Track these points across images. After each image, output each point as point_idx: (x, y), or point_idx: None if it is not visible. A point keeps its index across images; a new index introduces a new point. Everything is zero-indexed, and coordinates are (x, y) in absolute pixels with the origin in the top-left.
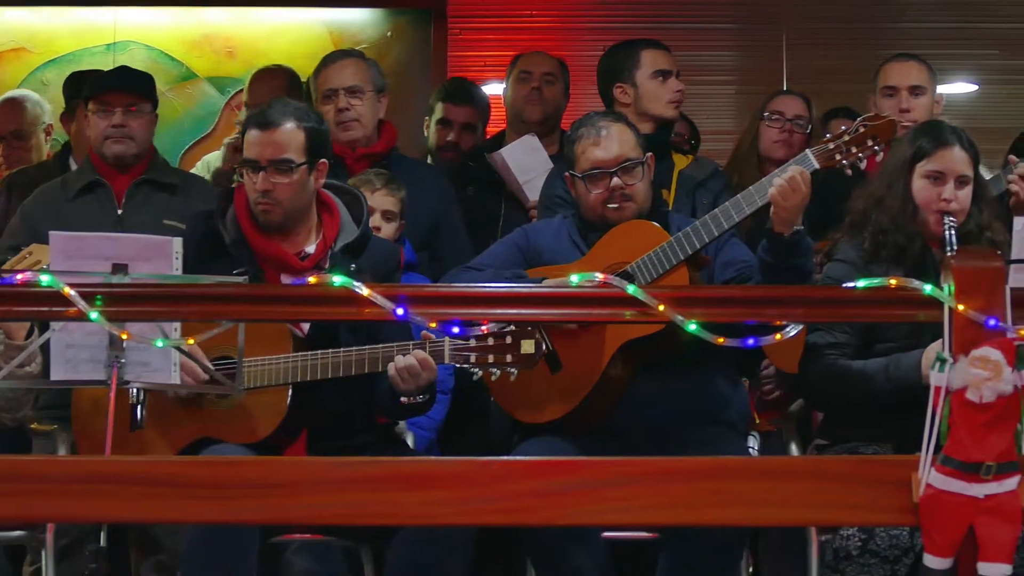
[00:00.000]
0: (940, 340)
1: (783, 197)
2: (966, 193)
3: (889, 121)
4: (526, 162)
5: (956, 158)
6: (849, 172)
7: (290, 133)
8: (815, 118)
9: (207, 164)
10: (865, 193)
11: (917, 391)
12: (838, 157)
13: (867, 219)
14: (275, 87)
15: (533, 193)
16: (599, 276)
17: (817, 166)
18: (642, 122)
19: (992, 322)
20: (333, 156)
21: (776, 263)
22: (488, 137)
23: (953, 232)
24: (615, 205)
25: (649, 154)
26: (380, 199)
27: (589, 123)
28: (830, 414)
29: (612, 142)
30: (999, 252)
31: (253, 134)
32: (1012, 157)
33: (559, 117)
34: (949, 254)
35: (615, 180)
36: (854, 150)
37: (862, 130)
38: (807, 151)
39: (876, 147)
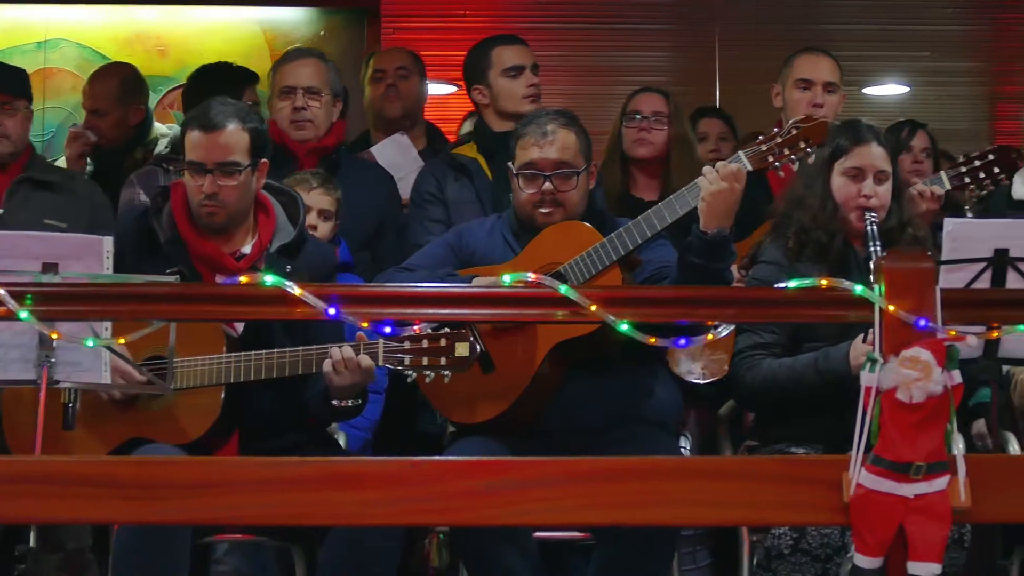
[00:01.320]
0: (867, 331)
1: (716, 194)
2: (886, 189)
3: (821, 123)
4: (396, 161)
5: (874, 154)
6: (781, 174)
7: (235, 135)
8: (675, 114)
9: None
10: (786, 193)
11: (847, 384)
12: (770, 159)
13: (789, 219)
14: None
15: (404, 191)
16: (531, 276)
17: (750, 167)
18: (502, 121)
19: (922, 323)
20: (285, 151)
21: (698, 263)
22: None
23: (875, 228)
24: (545, 210)
25: (593, 163)
26: (316, 198)
27: (536, 121)
28: (761, 415)
29: (553, 145)
30: (928, 252)
31: (196, 136)
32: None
33: (420, 109)
34: (873, 250)
35: (547, 184)
36: (786, 152)
37: (794, 132)
38: (740, 152)
39: (808, 149)
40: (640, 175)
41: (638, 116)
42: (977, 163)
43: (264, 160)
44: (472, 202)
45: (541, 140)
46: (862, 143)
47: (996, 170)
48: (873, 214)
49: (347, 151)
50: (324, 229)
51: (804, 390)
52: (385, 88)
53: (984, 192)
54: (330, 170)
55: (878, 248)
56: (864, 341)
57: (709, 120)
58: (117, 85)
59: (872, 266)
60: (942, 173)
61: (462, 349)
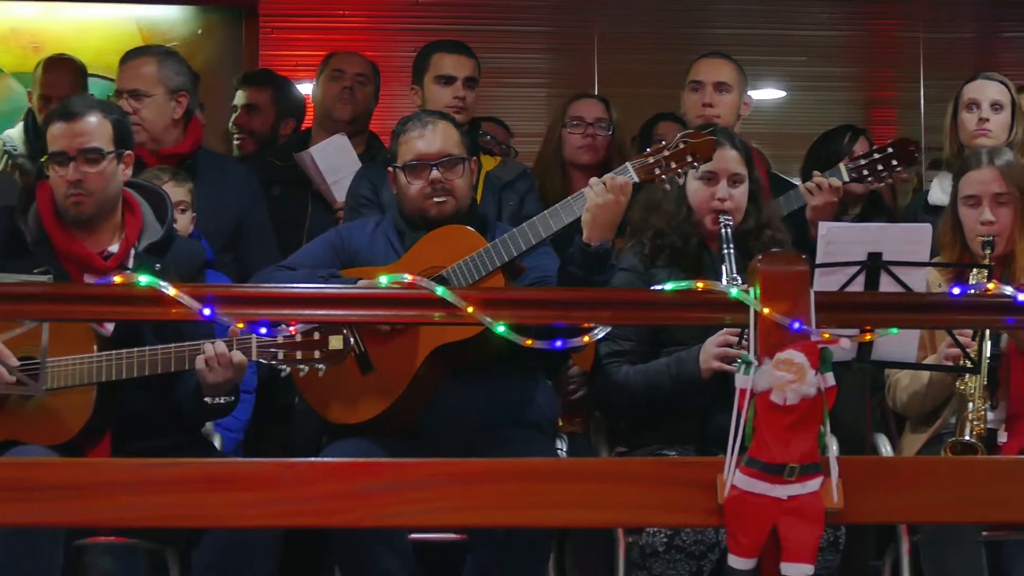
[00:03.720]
0: (716, 335)
1: (601, 205)
2: (741, 192)
3: (709, 140)
4: (335, 162)
5: (728, 158)
6: (667, 187)
7: (96, 123)
8: (616, 120)
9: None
10: (642, 199)
11: (700, 388)
12: (657, 171)
13: (646, 225)
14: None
15: (341, 194)
16: (408, 277)
17: (637, 179)
18: None
19: (797, 325)
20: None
21: (580, 275)
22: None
23: (728, 231)
24: (437, 199)
25: (473, 157)
26: (171, 191)
27: (416, 118)
28: (630, 419)
29: (436, 136)
30: (802, 256)
31: (58, 127)
32: (816, 174)
33: (368, 119)
34: (726, 253)
35: (435, 173)
36: (673, 165)
37: (682, 146)
38: (627, 164)
39: (695, 163)
40: (579, 179)
41: (580, 122)
42: (876, 155)
43: (129, 152)
44: None
45: (423, 131)
46: (716, 147)
47: (894, 162)
48: (727, 217)
49: (205, 152)
50: (183, 221)
51: (660, 395)
52: (341, 89)
53: (882, 184)
54: (190, 174)
55: (731, 251)
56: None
57: (667, 124)
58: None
59: (725, 269)
60: (840, 165)
61: (336, 342)
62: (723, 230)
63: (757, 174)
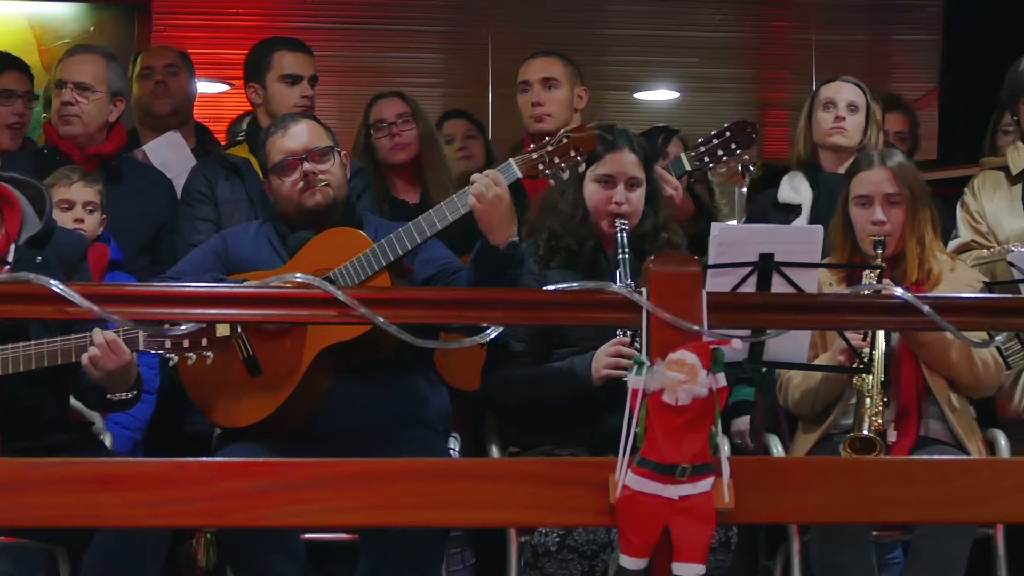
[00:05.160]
0: (610, 342)
1: (480, 200)
2: (638, 195)
3: (592, 135)
4: (169, 159)
5: (626, 161)
6: (551, 183)
7: None
8: (418, 108)
9: None
10: (539, 200)
11: (592, 394)
12: (540, 167)
13: (541, 226)
14: None
15: (177, 190)
16: (298, 276)
17: (520, 175)
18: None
19: (688, 326)
20: (60, 155)
21: (486, 274)
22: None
23: (624, 235)
24: (311, 191)
25: (344, 152)
26: (79, 191)
27: (279, 121)
28: (520, 420)
29: (300, 132)
30: (696, 257)
31: None
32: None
33: (190, 108)
34: (621, 256)
35: (306, 165)
36: (556, 160)
37: (565, 141)
38: (510, 160)
39: (579, 158)
40: (398, 179)
41: (384, 123)
42: (715, 140)
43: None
44: (243, 201)
45: (288, 130)
46: (614, 150)
47: (733, 145)
48: (624, 220)
49: (128, 156)
50: (91, 222)
51: (551, 398)
52: (154, 85)
53: (724, 169)
54: (111, 176)
55: (627, 254)
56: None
57: (454, 121)
58: None
59: (619, 274)
60: (681, 154)
61: (223, 329)
62: (619, 234)
63: (655, 177)
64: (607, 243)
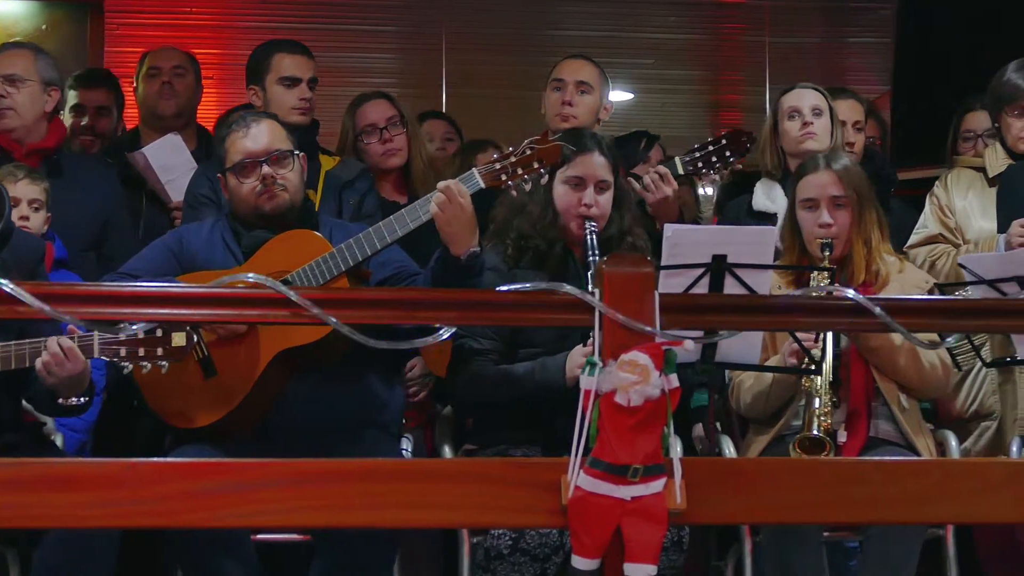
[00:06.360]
0: (584, 343)
1: (442, 210)
2: (606, 198)
3: (556, 146)
4: (169, 161)
5: (596, 164)
6: (514, 193)
7: None
8: (405, 112)
9: None
10: (507, 200)
11: (563, 394)
12: (503, 177)
13: (510, 226)
14: None
15: (176, 193)
16: (251, 277)
17: (483, 185)
18: None
19: (641, 327)
20: (1, 152)
21: (447, 282)
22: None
23: (594, 237)
24: (269, 194)
25: (301, 153)
26: (24, 188)
27: (239, 119)
28: (480, 418)
29: (261, 133)
30: (648, 258)
31: None
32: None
33: (194, 111)
34: (591, 259)
35: (265, 169)
36: (520, 171)
37: (528, 152)
38: (473, 169)
39: (542, 169)
40: (386, 181)
41: (374, 129)
42: (711, 148)
43: None
44: None
45: (248, 131)
46: (584, 152)
47: (727, 153)
48: (593, 223)
49: (69, 151)
50: (37, 220)
51: (521, 397)
52: (160, 85)
53: (718, 176)
54: (53, 171)
55: (596, 256)
56: (584, 347)
57: (433, 122)
58: None
59: (590, 275)
60: (675, 159)
61: (179, 339)
62: (588, 236)
63: (622, 181)
64: (574, 245)
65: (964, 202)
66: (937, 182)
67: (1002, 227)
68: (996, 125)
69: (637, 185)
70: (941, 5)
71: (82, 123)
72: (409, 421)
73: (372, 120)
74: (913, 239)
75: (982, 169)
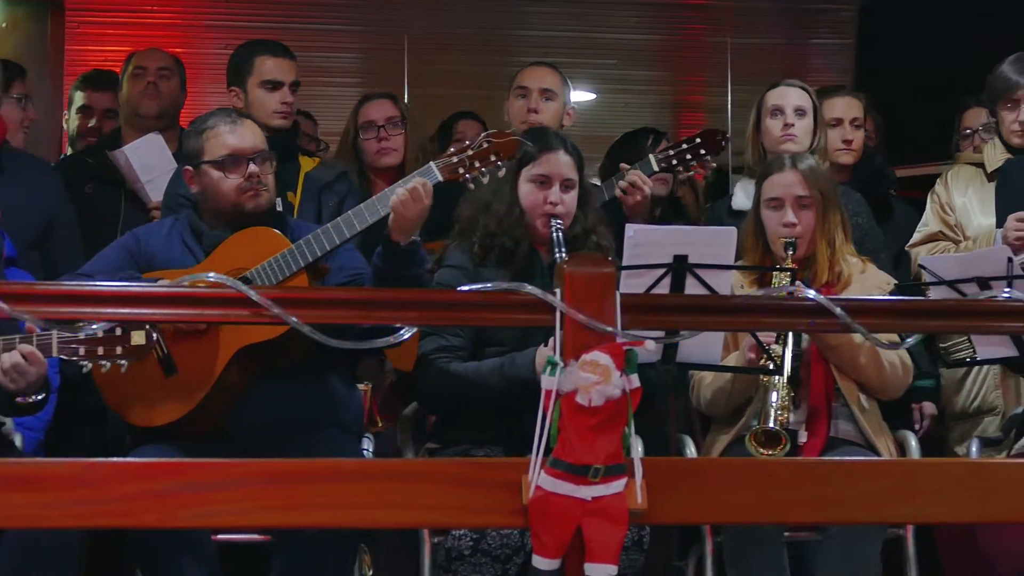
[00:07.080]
0: (552, 337)
1: (403, 207)
2: (572, 197)
3: (513, 140)
4: (149, 161)
5: (561, 162)
6: (471, 186)
7: None
8: (411, 114)
9: None
10: (473, 198)
11: (531, 390)
12: (461, 171)
13: (475, 224)
14: None
15: (155, 193)
16: (211, 276)
17: (441, 179)
18: None
19: (602, 327)
20: None
21: (391, 272)
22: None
23: (560, 235)
24: (253, 193)
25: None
26: None
27: (221, 114)
28: (442, 417)
29: (247, 132)
30: (608, 257)
31: None
32: (624, 165)
33: (177, 113)
34: (557, 257)
35: (252, 167)
36: (477, 164)
37: (485, 146)
38: (431, 163)
39: (499, 163)
40: (380, 180)
41: (372, 126)
42: (685, 145)
43: None
44: None
45: (234, 127)
46: (549, 150)
47: (702, 151)
48: (559, 221)
49: (11, 148)
50: None
51: (489, 394)
52: (145, 85)
53: (691, 173)
54: None
55: (563, 254)
56: (548, 346)
57: (467, 122)
58: None
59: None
60: (650, 156)
61: (138, 338)
62: (554, 234)
63: (587, 180)
64: (540, 243)
65: (964, 199)
66: (938, 179)
67: (1000, 221)
68: (994, 120)
69: (618, 191)
70: (902, 8)
71: (89, 124)
72: (386, 423)
73: (372, 118)
74: (915, 237)
75: (982, 165)
